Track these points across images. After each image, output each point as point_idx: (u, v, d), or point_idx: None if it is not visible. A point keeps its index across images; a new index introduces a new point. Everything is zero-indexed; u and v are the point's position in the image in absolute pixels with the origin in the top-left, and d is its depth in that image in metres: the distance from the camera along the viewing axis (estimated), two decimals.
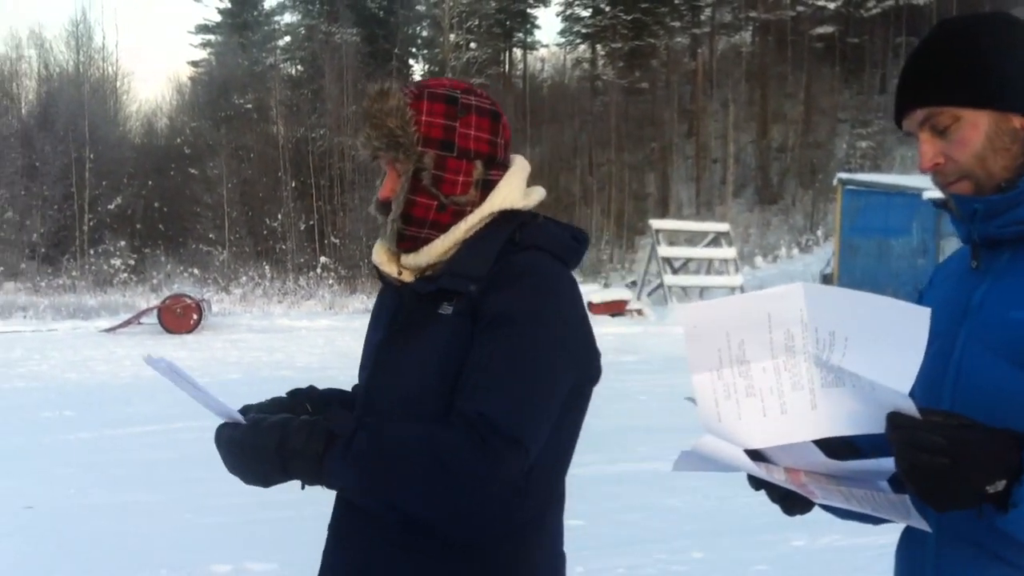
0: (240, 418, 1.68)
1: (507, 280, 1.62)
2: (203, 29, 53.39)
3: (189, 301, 21.47)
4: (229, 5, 51.81)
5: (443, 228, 1.71)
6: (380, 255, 1.79)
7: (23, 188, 37.21)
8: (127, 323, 21.62)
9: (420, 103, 1.70)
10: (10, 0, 57.77)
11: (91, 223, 38.18)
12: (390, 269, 1.76)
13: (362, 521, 1.68)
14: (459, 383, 1.59)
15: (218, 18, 52.63)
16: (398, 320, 1.74)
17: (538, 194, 1.78)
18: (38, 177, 37.51)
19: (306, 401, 1.83)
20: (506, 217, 1.71)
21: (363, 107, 1.72)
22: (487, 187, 1.72)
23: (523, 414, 1.54)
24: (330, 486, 1.55)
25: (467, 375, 1.59)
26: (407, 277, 1.75)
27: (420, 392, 1.64)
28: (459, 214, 1.71)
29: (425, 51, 51.91)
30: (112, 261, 33.50)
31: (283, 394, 1.87)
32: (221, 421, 1.65)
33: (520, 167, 1.78)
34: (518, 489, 1.61)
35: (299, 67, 49.35)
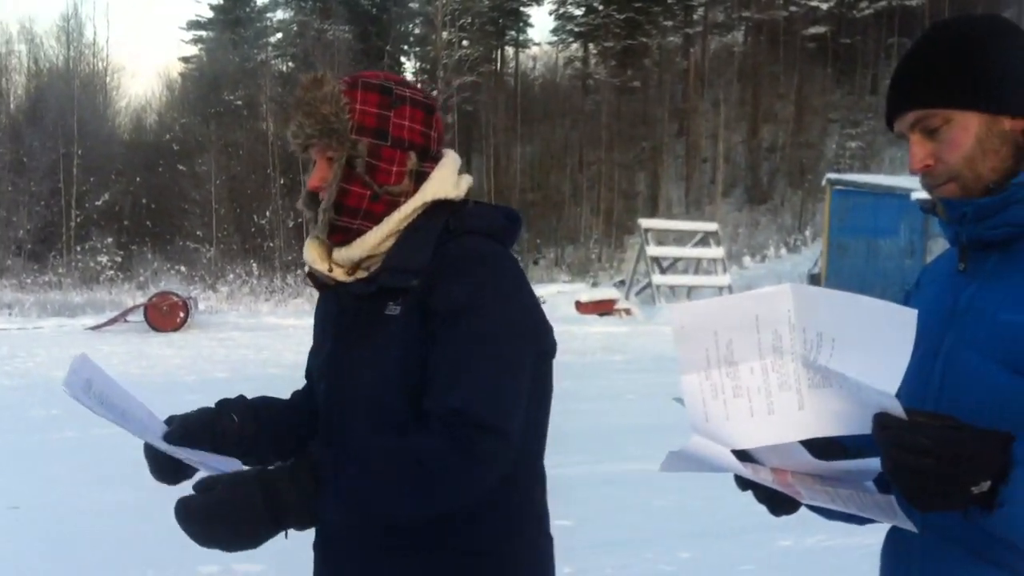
0: (164, 429, 1.68)
1: (449, 270, 1.61)
2: (195, 25, 53.33)
3: (176, 299, 21.39)
4: (221, 1, 51.66)
5: (376, 219, 1.68)
6: (311, 253, 1.75)
7: (10, 184, 37.03)
8: (113, 321, 21.53)
9: (354, 92, 1.68)
10: None
11: (78, 219, 38.04)
12: (322, 266, 1.72)
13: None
14: (426, 383, 1.58)
15: (210, 14, 52.58)
16: (343, 326, 1.72)
17: (466, 182, 1.77)
18: (26, 173, 37.34)
19: (233, 412, 1.78)
20: (439, 206, 1.70)
21: (296, 96, 1.69)
22: (420, 178, 1.71)
23: (496, 401, 1.54)
24: (325, 524, 1.52)
25: (432, 373, 1.57)
26: (339, 274, 1.71)
27: (381, 395, 1.64)
28: (393, 204, 1.69)
29: (417, 48, 51.89)
30: (99, 258, 33.41)
31: (211, 405, 1.82)
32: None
33: (452, 159, 1.77)
34: (506, 477, 1.61)
35: (291, 64, 49.22)
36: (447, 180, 1.72)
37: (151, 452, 1.73)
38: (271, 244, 36.75)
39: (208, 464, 1.69)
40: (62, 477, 7.02)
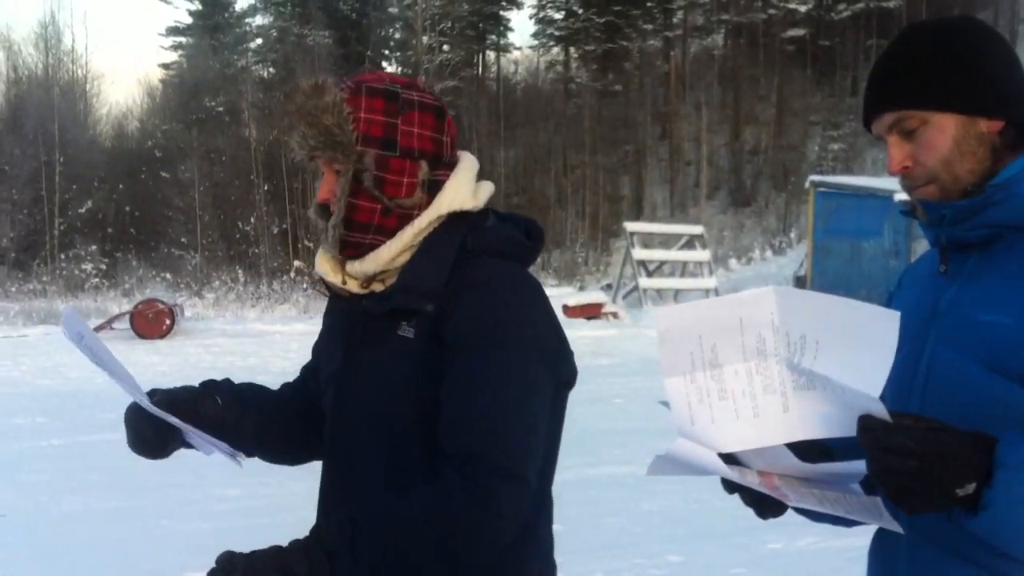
0: (146, 399, 1.63)
1: (467, 296, 1.53)
2: (174, 31, 53.01)
3: (162, 306, 21.25)
4: (200, 7, 51.45)
5: (389, 233, 1.60)
6: (323, 264, 1.67)
7: None
8: (99, 328, 21.30)
9: (358, 99, 1.57)
10: None
11: (62, 227, 37.72)
12: (335, 279, 1.65)
13: None
14: (440, 417, 1.51)
15: (189, 20, 52.28)
16: (354, 339, 1.65)
17: (486, 190, 1.66)
18: (7, 181, 36.99)
19: (216, 394, 1.72)
20: (456, 219, 1.61)
21: (296, 103, 1.58)
22: (434, 188, 1.61)
23: (515, 443, 1.47)
24: None
25: (447, 409, 1.50)
26: (353, 286, 1.64)
27: (389, 415, 1.59)
28: (405, 218, 1.60)
29: (398, 53, 51.78)
30: (83, 266, 33.10)
31: (195, 384, 1.76)
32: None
33: (468, 165, 1.66)
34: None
35: (271, 69, 49.07)
36: (463, 190, 1.62)
37: (134, 419, 1.66)
38: (256, 250, 36.56)
39: (202, 438, 1.64)
40: (48, 485, 6.99)
